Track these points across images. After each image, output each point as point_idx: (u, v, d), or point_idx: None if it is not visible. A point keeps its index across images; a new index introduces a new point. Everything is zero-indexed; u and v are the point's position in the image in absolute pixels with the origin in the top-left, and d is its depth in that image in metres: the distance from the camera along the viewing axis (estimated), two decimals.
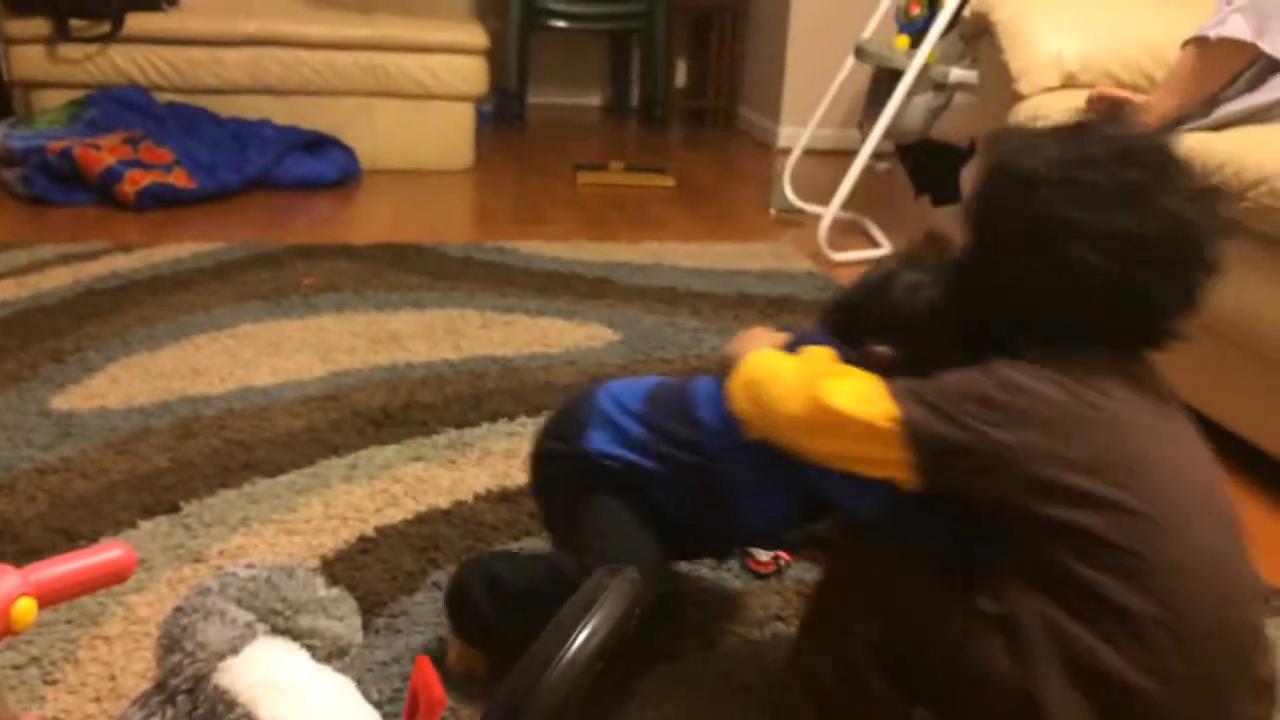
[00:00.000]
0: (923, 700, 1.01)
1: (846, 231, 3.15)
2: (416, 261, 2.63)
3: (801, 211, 3.30)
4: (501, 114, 4.55)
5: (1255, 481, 1.76)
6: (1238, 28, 1.93)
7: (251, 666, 0.90)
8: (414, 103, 3.61)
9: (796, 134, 3.52)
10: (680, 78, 5.06)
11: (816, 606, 1.09)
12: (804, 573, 1.41)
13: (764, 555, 1.43)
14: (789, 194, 3.33)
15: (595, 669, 0.90)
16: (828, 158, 3.81)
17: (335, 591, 1.00)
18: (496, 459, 1.68)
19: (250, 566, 0.98)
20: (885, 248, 3.01)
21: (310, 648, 0.96)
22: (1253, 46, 1.92)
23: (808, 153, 3.38)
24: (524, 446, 1.72)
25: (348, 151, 3.45)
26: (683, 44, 4.98)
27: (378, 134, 3.60)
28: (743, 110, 4.86)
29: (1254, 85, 1.98)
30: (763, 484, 1.14)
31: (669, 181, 3.68)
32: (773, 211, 3.36)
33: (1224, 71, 1.99)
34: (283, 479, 1.59)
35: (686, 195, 3.57)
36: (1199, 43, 1.99)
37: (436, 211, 3.24)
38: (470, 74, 3.64)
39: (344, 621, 0.99)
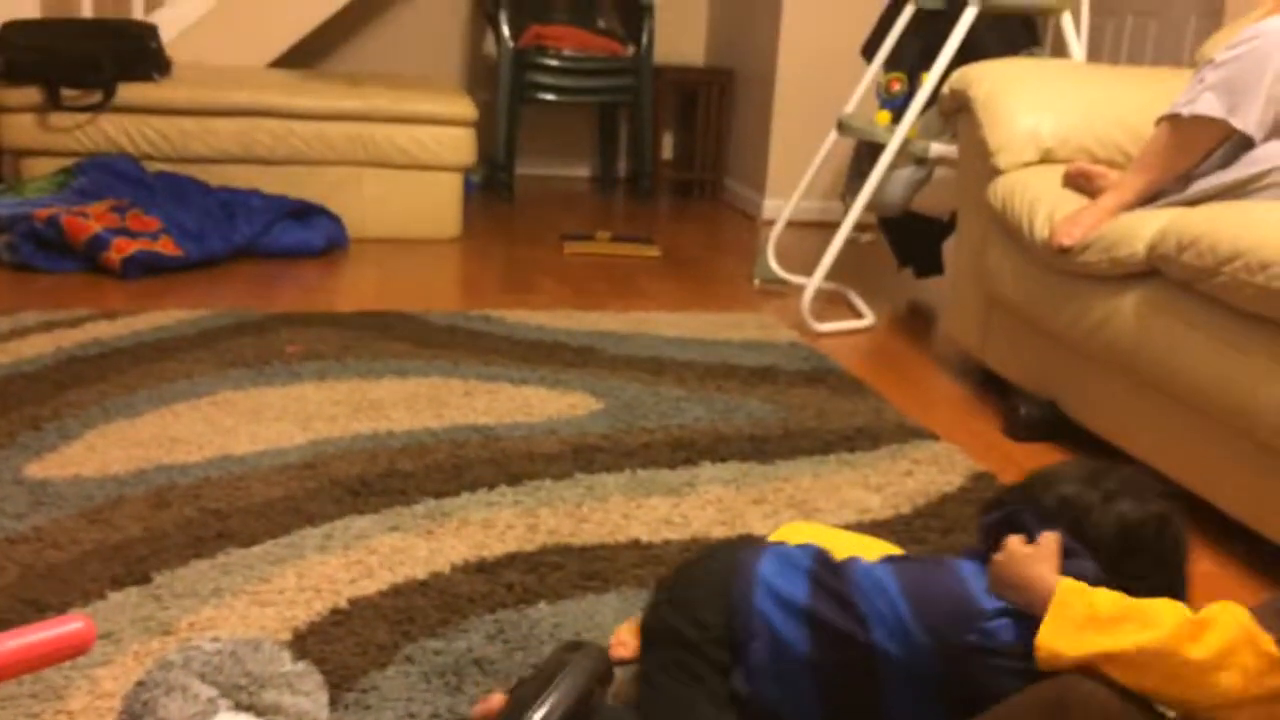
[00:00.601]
0: None
1: (830, 302, 3.17)
2: (401, 330, 2.63)
3: (785, 282, 3.32)
4: (490, 184, 4.60)
5: (1251, 565, 1.76)
6: (1209, 105, 1.97)
7: None
8: (402, 173, 3.65)
9: (781, 206, 3.56)
10: (667, 150, 5.13)
11: None
12: None
13: None
14: (773, 265, 3.35)
15: None
16: (811, 229, 3.85)
17: (302, 666, 0.99)
18: (474, 529, 1.67)
19: (215, 640, 0.97)
20: (869, 318, 3.03)
21: None
22: (1224, 124, 1.96)
23: (792, 224, 3.41)
24: (503, 516, 1.72)
25: (335, 220, 3.48)
26: (670, 117, 5.05)
27: (366, 203, 3.63)
28: (728, 182, 4.92)
29: (1227, 161, 2.02)
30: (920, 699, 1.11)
31: (655, 251, 3.71)
32: (757, 282, 3.38)
33: (1197, 148, 2.03)
34: (257, 549, 1.57)
35: (672, 265, 3.60)
36: (1172, 120, 2.03)
37: (423, 280, 3.25)
38: (458, 145, 3.68)
39: (310, 697, 0.97)
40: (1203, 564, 1.74)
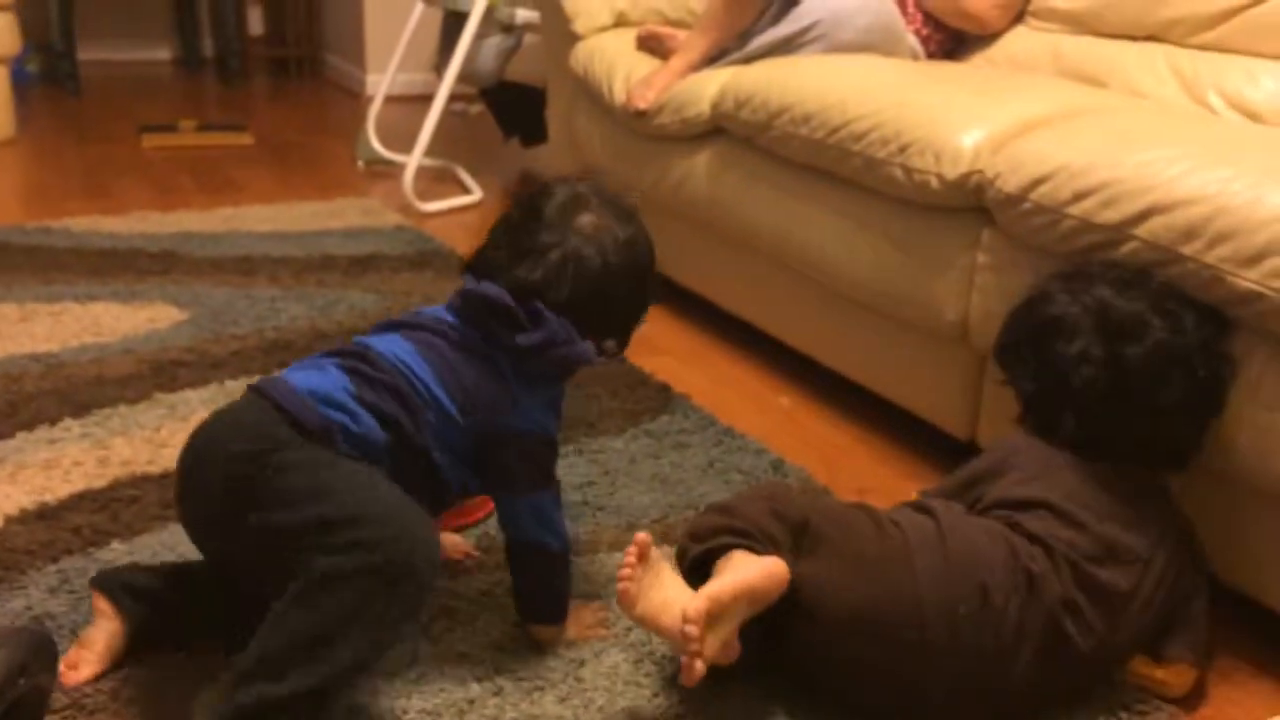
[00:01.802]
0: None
1: (438, 179, 3.10)
2: None
3: (389, 162, 3.21)
4: (50, 74, 4.07)
5: (828, 397, 1.92)
6: None
7: None
8: None
9: (382, 81, 3.40)
10: (256, 24, 4.74)
11: None
12: None
13: None
14: (375, 144, 3.22)
15: None
16: (418, 104, 3.71)
17: None
18: (33, 472, 1.50)
19: None
20: (476, 194, 2.99)
21: None
22: None
23: (399, 100, 3.28)
24: (68, 453, 1.56)
25: None
26: None
27: None
28: (327, 57, 4.65)
29: (779, 17, 2.12)
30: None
31: (247, 139, 3.45)
32: (360, 164, 3.25)
33: (752, 5, 2.11)
34: None
35: (268, 153, 3.36)
36: None
37: None
38: None
39: None
40: (783, 397, 1.89)
